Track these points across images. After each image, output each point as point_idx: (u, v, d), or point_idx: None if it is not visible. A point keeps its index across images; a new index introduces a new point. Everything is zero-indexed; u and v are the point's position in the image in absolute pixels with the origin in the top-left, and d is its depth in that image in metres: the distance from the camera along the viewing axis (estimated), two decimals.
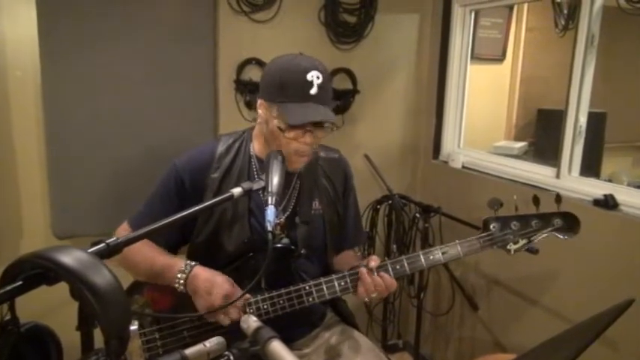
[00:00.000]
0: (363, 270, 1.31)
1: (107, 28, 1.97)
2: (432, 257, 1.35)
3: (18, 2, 1.91)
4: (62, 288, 0.65)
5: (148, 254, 1.36)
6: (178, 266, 1.30)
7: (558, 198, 1.38)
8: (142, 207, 1.46)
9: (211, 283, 1.27)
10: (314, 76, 1.30)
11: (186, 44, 2.11)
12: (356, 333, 1.56)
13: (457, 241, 1.35)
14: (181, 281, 1.28)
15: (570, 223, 1.37)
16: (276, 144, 1.35)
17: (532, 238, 1.36)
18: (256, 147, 1.46)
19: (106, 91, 2.01)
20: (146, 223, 0.93)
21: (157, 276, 1.33)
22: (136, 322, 1.28)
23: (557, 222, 1.36)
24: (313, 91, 1.29)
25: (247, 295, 1.30)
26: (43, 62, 1.91)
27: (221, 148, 1.45)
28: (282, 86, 1.31)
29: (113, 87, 2.02)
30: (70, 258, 0.62)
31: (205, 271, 1.30)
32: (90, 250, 0.74)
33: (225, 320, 1.27)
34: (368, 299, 1.34)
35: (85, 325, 0.66)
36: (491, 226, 1.36)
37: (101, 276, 0.62)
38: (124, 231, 1.45)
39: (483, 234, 1.36)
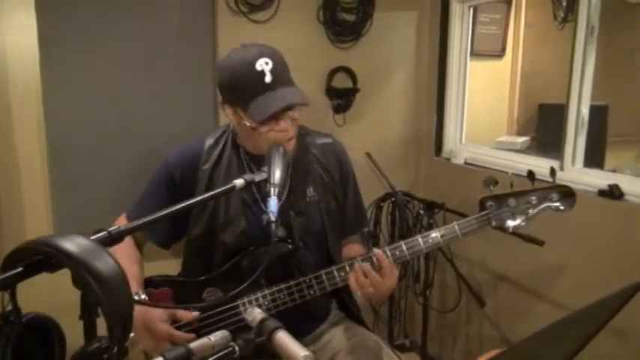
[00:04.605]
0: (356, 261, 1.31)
1: (107, 31, 1.99)
2: (430, 240, 1.34)
3: (17, 10, 1.91)
4: (64, 280, 0.64)
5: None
6: None
7: (553, 172, 1.38)
8: (137, 199, 1.49)
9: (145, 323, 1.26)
10: (262, 64, 1.27)
11: (186, 46, 2.12)
12: (362, 330, 1.55)
13: (455, 223, 1.35)
14: None
15: (566, 195, 1.36)
16: (256, 141, 1.35)
17: (530, 214, 1.35)
18: (241, 139, 1.46)
19: (106, 93, 2.02)
20: (141, 215, 0.92)
21: None
22: None
23: (554, 196, 1.35)
24: (267, 79, 1.27)
25: (195, 314, 1.31)
26: (43, 67, 1.91)
27: (209, 140, 1.47)
28: (236, 87, 1.30)
29: (114, 89, 2.03)
30: (73, 244, 0.61)
31: (140, 309, 1.28)
32: (92, 238, 0.73)
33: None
34: (360, 292, 1.32)
35: (87, 313, 0.65)
36: (487, 205, 1.35)
37: (104, 262, 0.61)
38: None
39: (480, 213, 1.36)
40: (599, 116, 2.45)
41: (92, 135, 2.02)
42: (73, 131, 1.99)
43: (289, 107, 1.30)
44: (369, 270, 1.29)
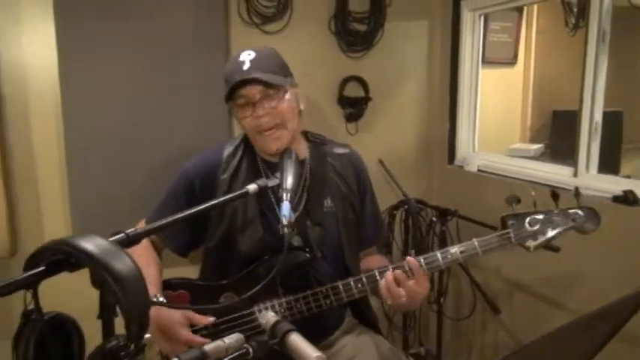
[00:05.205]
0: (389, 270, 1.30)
1: (122, 41, 2.04)
2: (449, 256, 1.33)
3: (37, 21, 1.97)
4: (81, 282, 0.66)
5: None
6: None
7: (577, 192, 1.35)
8: (156, 207, 1.51)
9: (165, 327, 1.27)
10: (245, 55, 1.35)
11: (200, 57, 2.15)
12: (377, 336, 1.54)
13: (475, 239, 1.33)
14: None
15: (590, 217, 1.34)
16: (254, 139, 1.40)
17: (551, 235, 1.33)
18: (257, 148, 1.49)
19: (123, 100, 2.07)
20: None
21: None
22: None
23: (577, 217, 1.33)
24: (245, 66, 1.33)
25: (211, 319, 1.30)
26: (62, 77, 1.97)
27: (228, 150, 1.49)
28: (225, 82, 1.38)
29: (130, 96, 2.08)
30: (92, 244, 0.63)
31: (159, 312, 1.28)
32: (110, 239, 0.75)
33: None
34: (391, 301, 1.29)
35: (106, 312, 0.67)
36: (509, 223, 1.33)
37: (122, 262, 0.63)
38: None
39: (501, 231, 1.34)
40: (613, 122, 2.43)
41: (109, 140, 2.07)
42: (91, 136, 2.04)
43: (268, 95, 1.34)
44: (404, 279, 1.28)
